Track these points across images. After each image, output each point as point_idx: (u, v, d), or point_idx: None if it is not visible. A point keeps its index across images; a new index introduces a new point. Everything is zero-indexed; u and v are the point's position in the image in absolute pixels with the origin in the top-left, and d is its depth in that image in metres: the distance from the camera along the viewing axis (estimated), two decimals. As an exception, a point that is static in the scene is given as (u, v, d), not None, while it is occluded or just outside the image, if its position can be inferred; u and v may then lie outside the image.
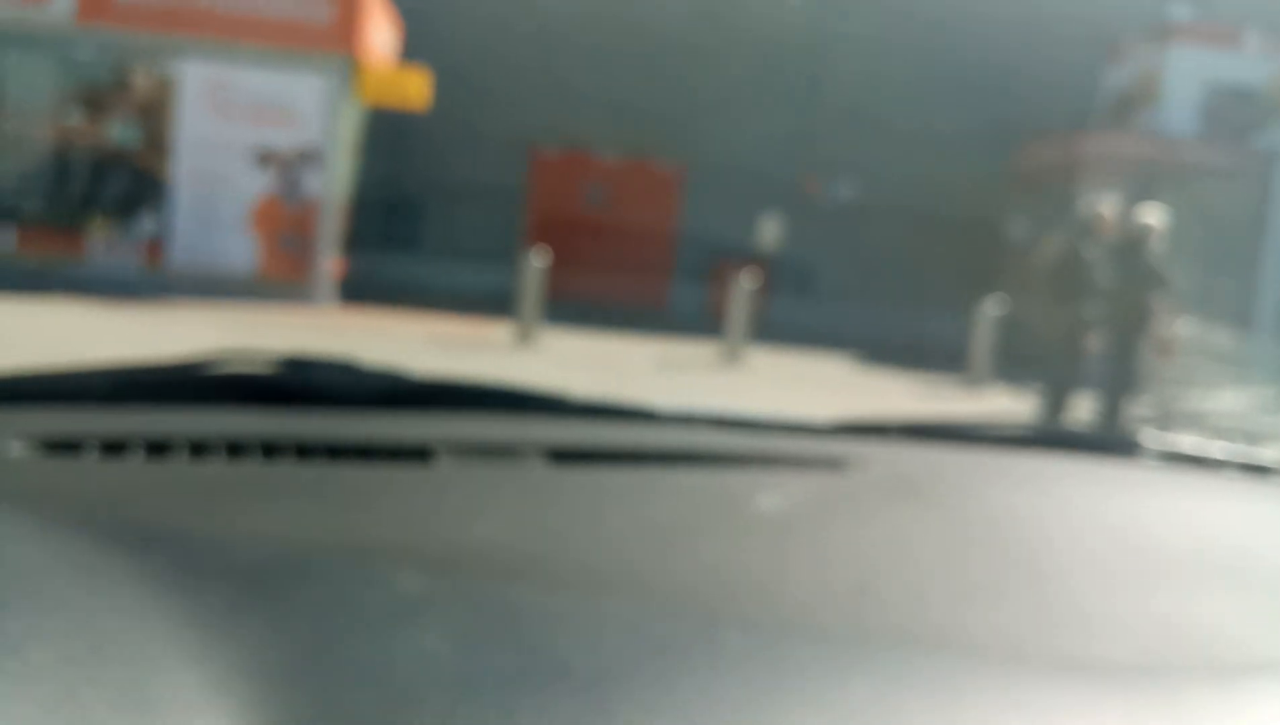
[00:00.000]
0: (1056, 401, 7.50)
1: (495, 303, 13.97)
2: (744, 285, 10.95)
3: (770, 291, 15.87)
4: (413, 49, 15.00)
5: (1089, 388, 8.15)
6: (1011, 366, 11.49)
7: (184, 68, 11.46)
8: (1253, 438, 8.40)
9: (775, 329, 14.40)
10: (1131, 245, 7.90)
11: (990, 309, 10.76)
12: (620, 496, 0.97)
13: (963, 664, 0.67)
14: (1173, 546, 0.97)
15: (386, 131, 15.37)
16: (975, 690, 0.63)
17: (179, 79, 11.49)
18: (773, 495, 0.99)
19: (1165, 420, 9.04)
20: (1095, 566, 0.88)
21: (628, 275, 16.20)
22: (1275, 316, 10.85)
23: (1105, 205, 7.71)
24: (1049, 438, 1.35)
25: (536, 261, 10.55)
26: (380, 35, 12.57)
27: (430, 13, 15.74)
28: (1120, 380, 7.94)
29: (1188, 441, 1.35)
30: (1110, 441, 1.35)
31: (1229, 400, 8.43)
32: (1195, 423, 8.71)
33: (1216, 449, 1.29)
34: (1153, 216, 8.12)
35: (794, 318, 15.52)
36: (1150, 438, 1.28)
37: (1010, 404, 9.33)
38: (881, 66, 16.54)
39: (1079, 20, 16.59)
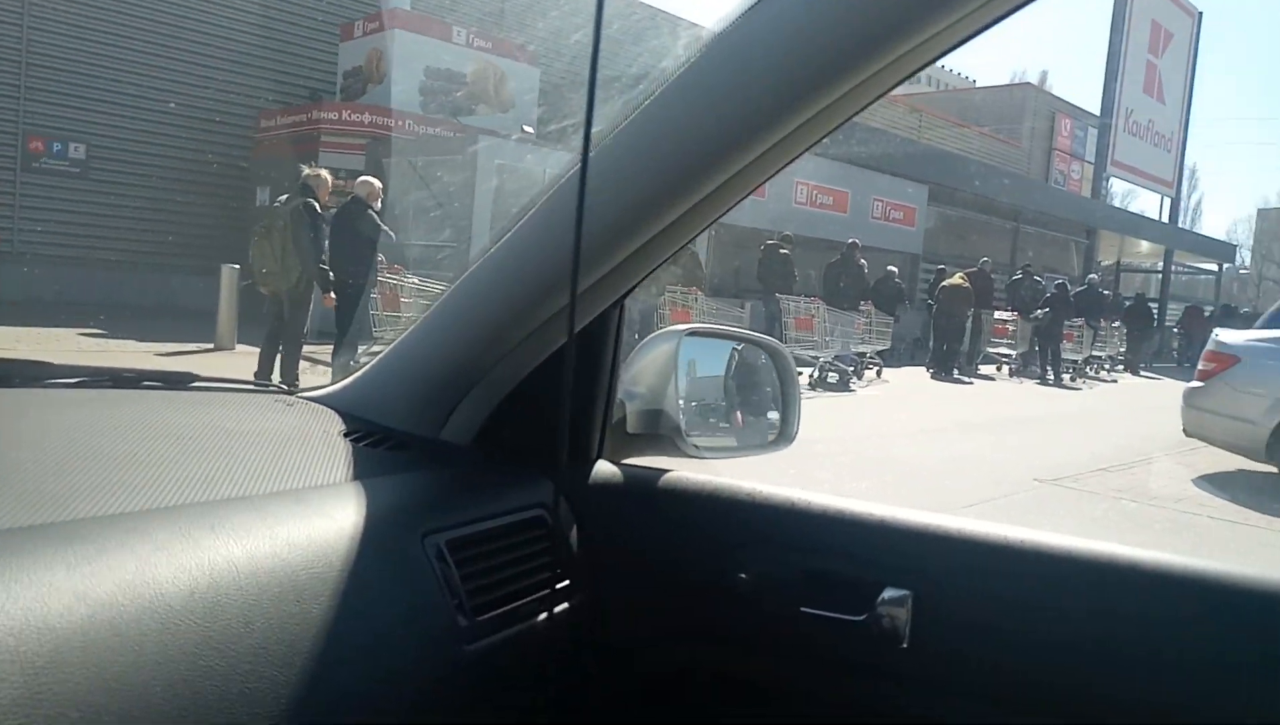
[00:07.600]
0: (270, 353, 7.55)
1: None
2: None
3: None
4: None
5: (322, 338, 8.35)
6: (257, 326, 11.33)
7: None
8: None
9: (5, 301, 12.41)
10: (351, 209, 8.18)
11: (233, 272, 10.46)
12: None
13: None
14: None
15: None
16: None
17: None
18: None
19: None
20: None
21: None
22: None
23: (320, 172, 7.86)
24: None
25: None
26: None
27: None
28: (344, 328, 8.24)
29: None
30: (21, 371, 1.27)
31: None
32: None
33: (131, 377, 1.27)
34: (370, 183, 8.49)
35: (22, 288, 13.36)
36: (59, 368, 1.23)
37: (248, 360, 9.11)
38: (111, 33, 14.98)
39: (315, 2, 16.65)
